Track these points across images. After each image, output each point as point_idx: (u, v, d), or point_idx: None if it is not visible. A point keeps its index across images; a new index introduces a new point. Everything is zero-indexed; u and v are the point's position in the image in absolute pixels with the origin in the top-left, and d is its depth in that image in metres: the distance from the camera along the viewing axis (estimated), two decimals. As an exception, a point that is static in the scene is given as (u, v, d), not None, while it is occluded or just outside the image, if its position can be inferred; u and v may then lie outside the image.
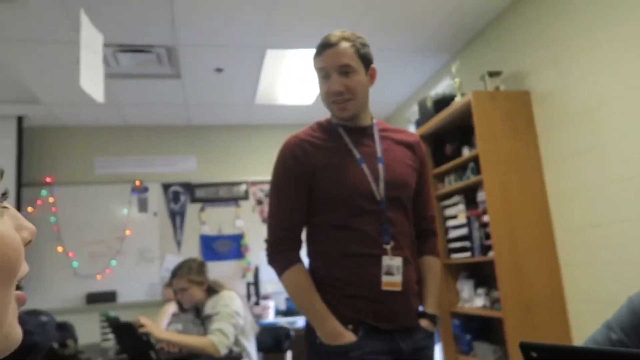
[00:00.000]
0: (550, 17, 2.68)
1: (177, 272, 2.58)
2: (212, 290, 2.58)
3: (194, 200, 4.74)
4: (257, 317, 4.11)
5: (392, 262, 1.43)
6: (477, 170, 2.89)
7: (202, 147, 4.89)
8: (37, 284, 4.15)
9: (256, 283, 4.45)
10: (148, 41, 3.18)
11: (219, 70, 3.65)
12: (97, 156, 4.64)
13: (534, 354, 0.57)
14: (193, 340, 2.34)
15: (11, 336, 0.42)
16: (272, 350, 2.90)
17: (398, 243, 1.45)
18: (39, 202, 4.41)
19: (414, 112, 4.18)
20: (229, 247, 4.69)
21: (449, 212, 3.23)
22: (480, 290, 3.00)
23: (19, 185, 4.12)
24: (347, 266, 1.43)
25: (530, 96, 2.84)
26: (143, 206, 4.62)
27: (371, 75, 1.53)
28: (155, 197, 4.66)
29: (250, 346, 2.58)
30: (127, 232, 4.51)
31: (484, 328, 3.13)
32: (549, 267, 2.67)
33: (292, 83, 4.03)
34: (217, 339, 2.30)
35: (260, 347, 2.78)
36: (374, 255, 1.42)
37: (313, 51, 1.52)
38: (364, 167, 1.47)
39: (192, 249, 4.58)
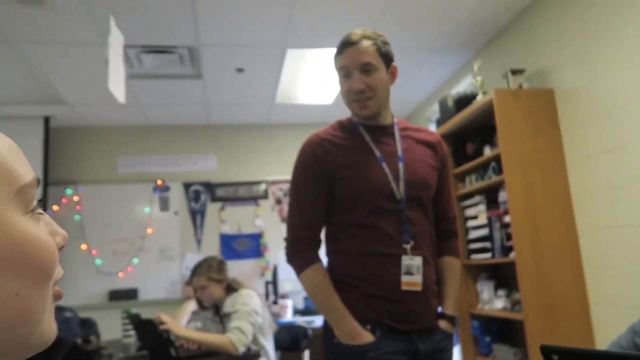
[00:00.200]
0: (574, 13, 2.62)
1: (197, 270, 2.61)
2: (231, 288, 2.60)
3: (214, 199, 4.78)
4: (275, 316, 4.13)
5: (412, 261, 1.42)
6: (498, 170, 2.84)
7: (222, 147, 4.93)
8: (62, 280, 4.23)
9: (274, 282, 4.47)
10: (171, 42, 3.22)
11: (240, 70, 3.68)
12: (120, 155, 4.72)
13: (555, 357, 0.56)
14: (212, 338, 2.36)
15: (48, 333, 0.45)
16: (289, 349, 2.91)
17: (418, 243, 1.44)
18: (64, 200, 4.51)
19: (434, 110, 4.14)
20: (248, 245, 4.72)
21: (469, 212, 3.19)
22: (501, 292, 2.96)
23: (45, 184, 4.22)
24: (366, 265, 1.42)
25: (554, 94, 2.79)
26: (164, 205, 4.68)
27: (392, 74, 1.53)
28: (177, 196, 4.72)
29: (268, 345, 2.59)
30: (149, 231, 4.57)
31: (503, 330, 3.09)
32: (572, 268, 2.62)
33: (312, 82, 4.04)
34: (236, 337, 2.32)
35: (278, 346, 2.80)
36: (393, 255, 1.41)
37: (333, 50, 1.52)
38: (385, 166, 1.46)
39: (212, 248, 4.62)
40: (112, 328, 3.62)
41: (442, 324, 1.48)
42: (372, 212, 1.43)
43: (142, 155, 4.76)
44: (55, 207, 4.44)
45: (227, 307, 2.52)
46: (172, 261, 4.56)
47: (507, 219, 2.75)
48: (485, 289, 3.10)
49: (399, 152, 1.50)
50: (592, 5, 2.50)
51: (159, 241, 4.57)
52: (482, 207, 3.04)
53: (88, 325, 3.25)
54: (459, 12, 3.06)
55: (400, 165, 1.48)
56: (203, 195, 4.77)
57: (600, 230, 2.51)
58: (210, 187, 4.79)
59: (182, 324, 3.04)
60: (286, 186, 4.89)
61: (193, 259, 4.16)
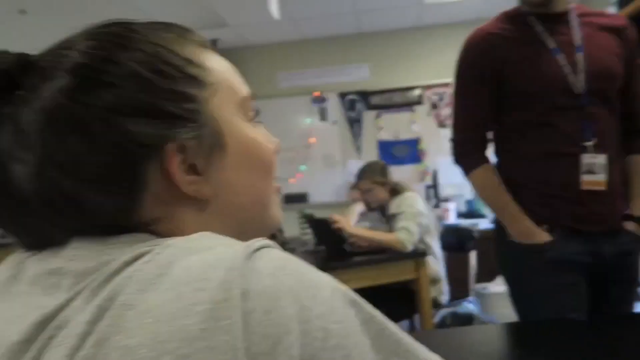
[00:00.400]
0: None
1: (362, 174, 2.76)
2: (395, 191, 2.71)
3: (370, 107, 4.85)
4: (438, 219, 4.20)
5: (595, 160, 1.32)
6: None
7: (374, 55, 4.89)
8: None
9: (435, 186, 4.50)
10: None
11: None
12: (280, 71, 5.00)
13: None
14: (381, 236, 2.53)
15: (276, 218, 0.56)
16: (455, 250, 2.98)
17: (601, 140, 1.33)
18: (233, 116, 4.99)
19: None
20: (407, 151, 4.77)
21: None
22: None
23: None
24: (541, 166, 1.36)
25: None
26: (323, 115, 4.91)
27: None
28: (334, 106, 4.89)
29: (435, 245, 2.70)
30: (312, 140, 4.88)
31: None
32: None
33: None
34: (404, 236, 2.45)
35: (444, 247, 2.89)
36: (572, 154, 1.33)
37: None
38: (560, 58, 1.34)
39: (371, 154, 4.77)
40: (288, 227, 4.07)
41: (630, 226, 1.38)
42: (547, 109, 1.34)
43: (299, 69, 4.97)
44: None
45: (392, 208, 2.65)
46: (336, 167, 4.85)
47: None
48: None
49: (578, 41, 1.35)
50: None
51: (321, 149, 4.87)
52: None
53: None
54: None
55: (579, 55, 1.34)
56: (358, 104, 4.87)
57: None
58: (365, 95, 4.85)
59: (351, 224, 3.29)
60: (442, 90, 4.73)
61: (355, 165, 4.36)
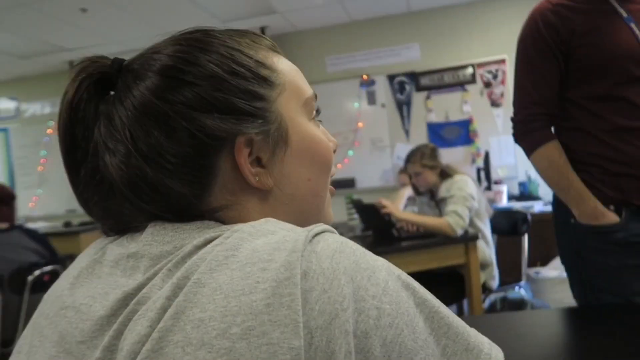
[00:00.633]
0: None
1: (410, 158, 2.72)
2: (445, 174, 2.66)
3: (419, 88, 4.77)
4: (490, 201, 4.10)
5: None
6: None
7: (424, 34, 4.77)
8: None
9: (486, 168, 4.38)
10: None
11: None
12: (328, 55, 4.99)
13: None
14: (430, 220, 2.50)
15: (328, 216, 0.59)
16: (507, 234, 2.91)
17: None
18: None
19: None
20: (457, 133, 4.66)
21: None
22: None
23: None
24: (610, 142, 1.29)
25: None
26: (372, 99, 4.87)
27: None
28: (382, 88, 4.84)
29: (486, 228, 2.64)
30: (360, 124, 4.86)
31: None
32: None
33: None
34: (453, 220, 2.41)
35: (496, 230, 2.82)
36: None
37: None
38: (633, 26, 1.26)
39: (420, 137, 4.70)
40: (336, 212, 4.09)
41: None
42: (619, 81, 1.26)
43: (347, 53, 4.94)
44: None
45: (442, 192, 2.61)
46: (384, 151, 4.82)
47: None
48: None
49: None
50: None
51: (369, 133, 4.84)
52: None
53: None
54: None
55: None
56: (407, 85, 4.79)
57: None
58: (414, 76, 4.77)
59: (399, 208, 3.27)
60: (495, 67, 4.57)
61: (403, 148, 4.32)
